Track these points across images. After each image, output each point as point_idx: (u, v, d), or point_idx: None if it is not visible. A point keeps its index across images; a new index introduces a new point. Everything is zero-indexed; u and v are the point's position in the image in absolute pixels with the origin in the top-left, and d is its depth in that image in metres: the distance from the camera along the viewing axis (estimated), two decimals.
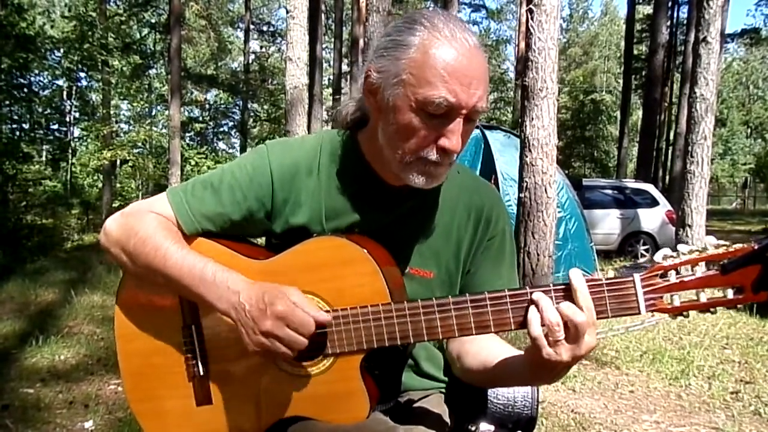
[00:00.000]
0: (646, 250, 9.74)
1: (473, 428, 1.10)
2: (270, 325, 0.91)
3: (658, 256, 0.87)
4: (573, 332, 0.85)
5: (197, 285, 0.98)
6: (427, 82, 0.90)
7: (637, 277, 0.87)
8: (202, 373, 1.04)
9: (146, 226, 1.03)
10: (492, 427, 1.07)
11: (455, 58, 0.90)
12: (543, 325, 0.85)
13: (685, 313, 0.87)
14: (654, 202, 10.00)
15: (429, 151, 0.95)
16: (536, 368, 0.90)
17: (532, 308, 0.87)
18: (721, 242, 0.85)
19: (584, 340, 0.85)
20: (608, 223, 9.91)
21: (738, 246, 0.84)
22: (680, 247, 0.86)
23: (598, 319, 0.86)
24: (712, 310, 0.85)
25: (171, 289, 1.02)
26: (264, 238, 1.17)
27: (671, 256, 0.86)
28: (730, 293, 0.84)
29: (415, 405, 1.16)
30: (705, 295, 0.85)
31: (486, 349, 1.03)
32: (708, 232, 6.95)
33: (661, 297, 0.86)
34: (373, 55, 0.98)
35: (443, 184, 1.08)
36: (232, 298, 0.95)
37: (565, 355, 0.85)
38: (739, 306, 0.85)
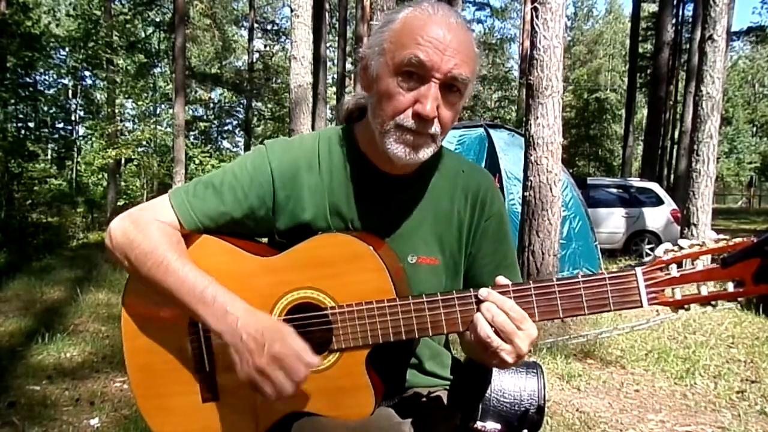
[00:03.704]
0: (651, 249, 9.70)
1: (479, 426, 1.10)
2: (264, 363, 0.92)
3: (659, 251, 0.88)
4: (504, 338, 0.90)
5: (195, 304, 0.98)
6: (402, 44, 0.96)
7: (638, 270, 0.88)
8: (208, 370, 1.05)
9: (148, 238, 1.02)
10: (498, 426, 1.07)
11: (431, 26, 0.96)
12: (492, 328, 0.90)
13: (686, 306, 0.88)
14: (659, 201, 9.97)
15: (405, 117, 0.98)
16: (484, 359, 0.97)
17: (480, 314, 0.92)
18: (721, 236, 0.86)
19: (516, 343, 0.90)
20: (613, 222, 9.88)
21: (738, 240, 0.85)
22: (681, 241, 0.87)
23: (601, 312, 0.89)
24: (713, 303, 0.87)
25: (170, 303, 1.02)
26: (267, 238, 1.18)
27: (672, 250, 0.87)
28: (730, 286, 0.85)
29: (421, 401, 1.16)
30: (706, 289, 0.87)
31: None
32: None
33: (663, 290, 0.87)
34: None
35: (440, 171, 1.12)
36: (230, 321, 0.95)
37: (509, 357, 0.90)
38: (740, 299, 0.86)
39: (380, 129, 1.00)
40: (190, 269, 1.00)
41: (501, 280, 0.94)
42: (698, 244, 0.86)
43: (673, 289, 0.87)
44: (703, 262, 0.86)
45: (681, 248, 0.86)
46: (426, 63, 0.94)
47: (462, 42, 0.96)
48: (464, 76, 0.97)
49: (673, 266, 0.87)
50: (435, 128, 0.98)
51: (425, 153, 1.01)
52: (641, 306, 0.88)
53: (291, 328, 0.96)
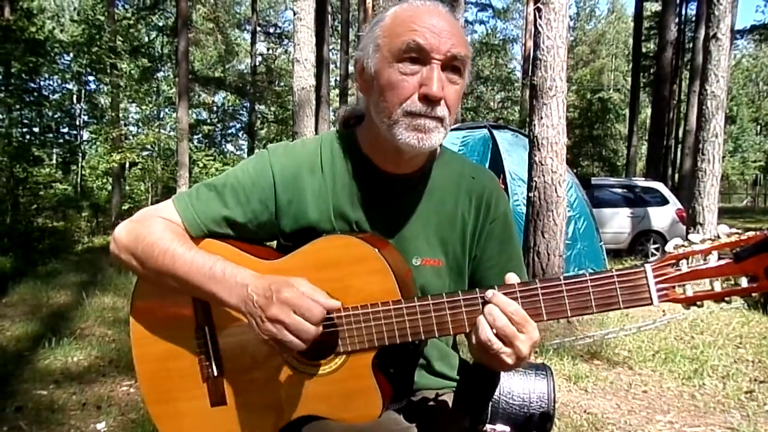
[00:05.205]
0: (657, 249, 9.67)
1: (488, 429, 1.09)
2: (276, 311, 0.90)
3: (669, 246, 0.86)
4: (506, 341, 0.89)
5: (207, 283, 0.98)
6: (397, 34, 0.97)
7: (648, 267, 0.85)
8: (216, 374, 1.05)
9: (153, 230, 1.04)
10: (508, 428, 1.06)
11: (422, 14, 0.98)
12: (494, 331, 0.89)
13: (699, 303, 0.85)
14: (664, 201, 9.93)
15: (412, 102, 0.97)
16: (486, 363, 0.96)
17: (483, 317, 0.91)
18: (733, 230, 0.83)
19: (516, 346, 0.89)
20: (618, 222, 9.84)
21: (750, 234, 0.83)
22: (692, 236, 0.85)
23: (609, 310, 0.88)
24: (726, 299, 0.84)
25: (182, 289, 1.03)
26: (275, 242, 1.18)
27: (683, 246, 0.85)
28: (744, 282, 0.83)
29: (429, 404, 1.16)
30: (718, 284, 0.84)
31: None
32: None
33: (674, 287, 0.85)
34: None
35: (444, 173, 1.11)
36: (241, 292, 0.95)
37: (509, 360, 0.90)
38: (754, 294, 0.83)
39: (388, 121, 0.99)
40: (197, 252, 1.02)
41: (509, 278, 0.92)
42: (710, 239, 0.83)
43: (683, 285, 0.85)
44: (714, 258, 0.84)
45: (692, 243, 0.84)
46: (425, 46, 0.95)
47: (453, 27, 0.99)
48: (463, 54, 0.98)
49: (684, 262, 0.85)
50: (443, 110, 0.98)
51: (436, 138, 1.00)
52: (651, 303, 0.85)
53: (304, 278, 0.94)
